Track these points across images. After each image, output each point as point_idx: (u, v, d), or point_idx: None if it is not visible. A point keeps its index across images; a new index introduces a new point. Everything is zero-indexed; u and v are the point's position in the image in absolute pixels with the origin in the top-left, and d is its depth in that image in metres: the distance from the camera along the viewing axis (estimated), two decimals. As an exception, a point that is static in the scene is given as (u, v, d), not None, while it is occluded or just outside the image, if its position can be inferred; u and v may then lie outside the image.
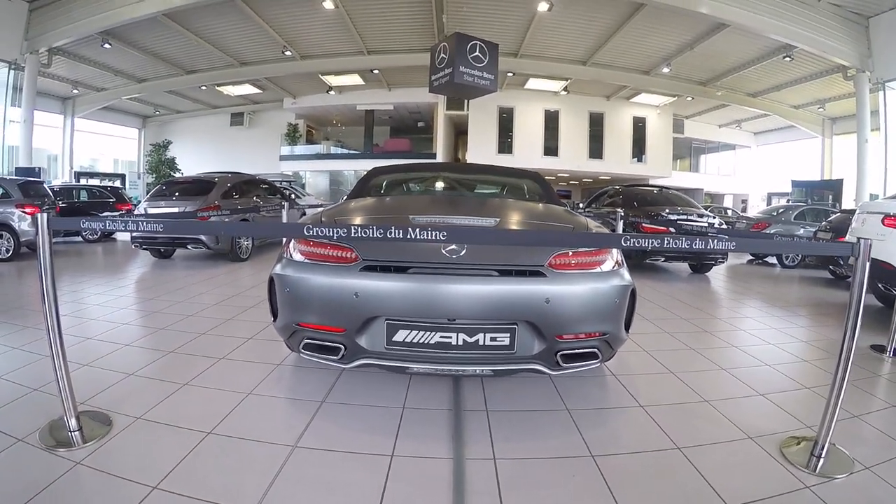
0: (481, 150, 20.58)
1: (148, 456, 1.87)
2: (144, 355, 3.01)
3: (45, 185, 8.53)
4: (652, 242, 1.69)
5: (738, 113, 21.60)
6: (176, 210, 7.04)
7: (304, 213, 9.73)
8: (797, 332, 4.01)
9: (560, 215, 2.66)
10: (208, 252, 7.42)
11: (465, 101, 19.69)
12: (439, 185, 3.84)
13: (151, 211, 7.10)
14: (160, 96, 20.87)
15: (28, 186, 7.46)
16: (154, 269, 6.63)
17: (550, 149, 21.04)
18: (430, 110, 21.87)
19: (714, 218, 7.13)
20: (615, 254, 2.21)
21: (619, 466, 1.87)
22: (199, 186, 7.56)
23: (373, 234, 1.69)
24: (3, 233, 6.69)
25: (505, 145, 20.95)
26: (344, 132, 25.66)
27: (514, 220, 2.48)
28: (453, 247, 1.96)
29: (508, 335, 1.97)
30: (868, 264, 1.69)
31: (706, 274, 7.28)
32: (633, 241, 1.72)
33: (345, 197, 3.57)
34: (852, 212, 5.80)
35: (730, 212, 17.46)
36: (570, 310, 2.01)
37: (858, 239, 1.69)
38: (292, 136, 22.85)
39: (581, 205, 9.85)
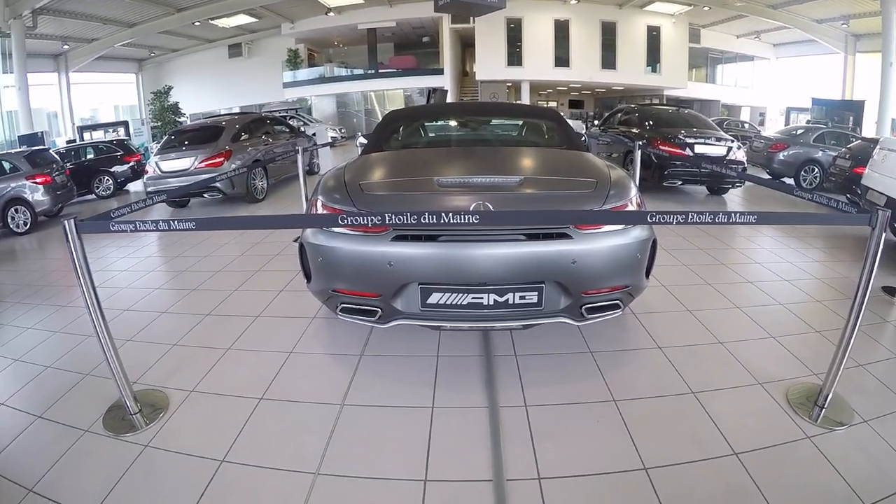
0: (490, 63, 19.95)
1: (209, 430, 2.04)
2: (183, 322, 3.17)
3: (51, 151, 8.44)
4: (676, 218, 1.68)
5: (758, 24, 20.20)
6: (188, 160, 7.00)
7: (315, 144, 9.51)
8: (812, 267, 4.00)
9: (583, 167, 2.59)
10: (224, 197, 7.36)
11: (471, 12, 18.68)
12: (458, 130, 3.77)
13: (164, 165, 7.07)
14: (153, 38, 19.97)
15: (35, 156, 7.40)
16: (174, 218, 6.71)
17: (562, 59, 20.17)
18: (435, 25, 20.83)
19: (733, 142, 6.88)
20: (634, 201, 2.22)
21: (638, 411, 2.03)
22: (207, 133, 7.43)
23: (406, 219, 1.71)
24: (19, 207, 6.75)
25: (514, 57, 20.12)
26: (347, 53, 24.62)
27: (539, 178, 2.44)
28: (480, 211, 1.98)
29: (536, 293, 2.04)
30: (883, 234, 1.68)
31: (723, 196, 7.20)
32: (659, 218, 1.68)
33: (359, 141, 3.51)
34: (873, 141, 5.56)
35: (746, 126, 16.75)
36: (596, 268, 2.07)
37: (876, 210, 1.68)
38: (293, 61, 22.03)
39: (596, 122, 9.51)
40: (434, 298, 2.04)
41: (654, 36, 20.39)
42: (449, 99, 21.30)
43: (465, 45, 23.45)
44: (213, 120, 8.51)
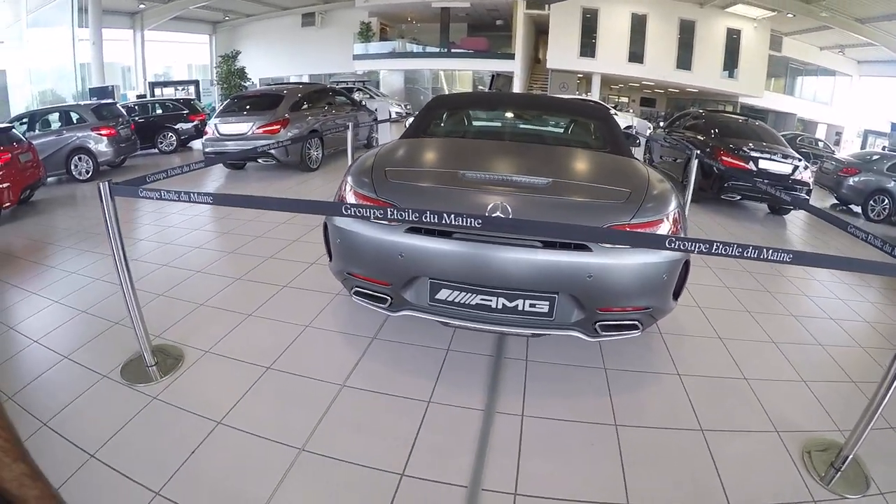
0: (562, 52, 19.67)
1: (214, 391, 2.15)
2: (214, 283, 3.31)
3: (118, 105, 8.95)
4: (699, 246, 1.56)
5: (843, 38, 18.67)
6: (246, 126, 7.23)
7: (375, 119, 9.59)
8: (863, 308, 3.63)
9: (621, 173, 2.44)
10: (278, 164, 7.58)
11: (547, 0, 18.31)
12: (501, 122, 3.66)
13: (222, 128, 7.33)
14: (228, 2, 20.68)
15: (101, 109, 7.87)
16: (228, 181, 7.03)
17: (636, 55, 19.57)
18: (510, 8, 20.63)
19: (800, 160, 6.38)
20: (671, 217, 2.05)
21: (638, 441, 1.92)
22: (267, 100, 7.60)
23: (408, 215, 1.68)
24: (83, 156, 7.25)
25: (587, 49, 19.73)
26: (419, 29, 24.69)
27: (568, 182, 2.28)
28: (498, 213, 1.92)
29: (548, 303, 1.96)
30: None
31: (784, 217, 6.72)
32: (679, 244, 1.55)
33: (408, 122, 3.44)
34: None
35: (821, 144, 15.49)
36: (614, 285, 1.95)
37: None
38: (365, 34, 22.36)
39: (661, 123, 9.09)
40: (443, 294, 2.01)
41: (733, 39, 19.28)
42: (516, 86, 21.03)
43: (539, 32, 23.06)
44: (275, 88, 8.72)
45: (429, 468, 1.72)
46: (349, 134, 6.08)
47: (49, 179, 6.80)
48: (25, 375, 2.26)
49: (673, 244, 1.56)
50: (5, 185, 4.78)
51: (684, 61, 19.36)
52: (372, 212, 1.68)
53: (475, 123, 3.62)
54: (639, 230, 1.96)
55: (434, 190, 2.14)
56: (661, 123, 9.00)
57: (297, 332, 2.65)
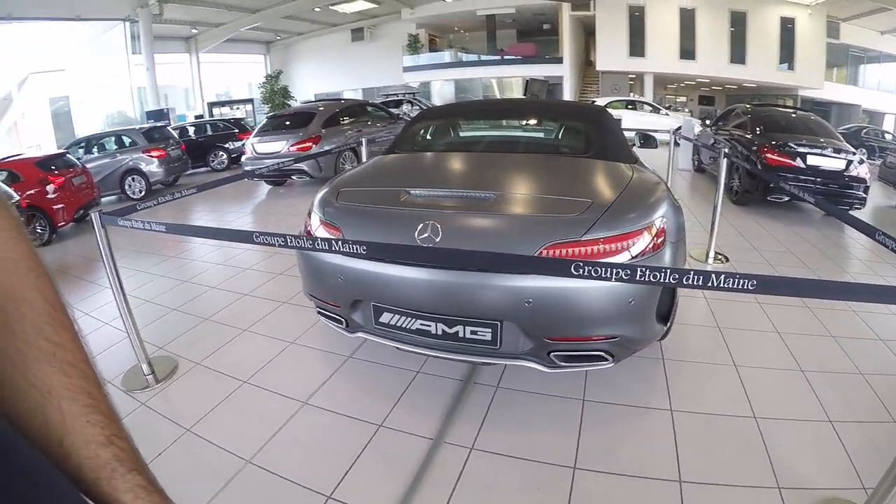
0: (611, 53, 19.24)
1: (193, 401, 2.29)
2: (223, 298, 3.51)
3: (168, 128, 9.66)
4: (617, 272, 1.32)
5: None
6: (280, 144, 7.53)
7: None
8: None
9: (590, 181, 2.20)
10: (312, 179, 7.70)
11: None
12: (481, 132, 3.55)
13: (258, 147, 7.70)
14: (278, 22, 21.76)
15: (152, 132, 8.53)
16: (268, 197, 7.41)
17: (687, 52, 18.75)
18: (555, 11, 20.46)
19: (854, 155, 5.74)
20: (654, 229, 1.80)
21: (594, 489, 1.69)
22: (300, 118, 7.89)
23: (303, 242, 1.69)
24: (136, 176, 7.89)
25: (637, 48, 19.14)
26: (470, 38, 24.99)
27: (518, 195, 2.07)
28: (428, 234, 1.80)
29: (490, 330, 1.80)
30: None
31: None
32: (586, 270, 1.34)
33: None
34: None
35: (889, 136, 13.93)
36: (559, 312, 1.73)
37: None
38: (414, 46, 22.86)
39: (707, 121, 8.60)
40: (385, 318, 1.95)
41: (787, 29, 17.92)
42: (566, 90, 20.72)
43: (589, 35, 22.66)
44: (309, 105, 9.05)
45: (357, 494, 1.71)
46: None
47: (108, 199, 7.44)
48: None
49: (580, 270, 1.37)
50: (60, 205, 5.28)
51: (738, 55, 18.25)
52: (277, 240, 1.68)
53: (456, 135, 3.48)
54: (596, 246, 1.73)
55: (374, 211, 2.05)
56: (708, 122, 8.42)
57: (282, 348, 2.75)
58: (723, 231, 4.67)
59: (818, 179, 5.56)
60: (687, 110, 17.56)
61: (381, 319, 1.96)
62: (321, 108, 8.10)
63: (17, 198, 4.82)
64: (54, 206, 5.17)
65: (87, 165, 6.84)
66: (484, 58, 22.43)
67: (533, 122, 3.41)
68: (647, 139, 3.76)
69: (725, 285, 1.25)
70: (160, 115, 14.41)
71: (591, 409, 2.12)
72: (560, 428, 2.01)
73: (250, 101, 20.38)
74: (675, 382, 2.31)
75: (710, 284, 1.29)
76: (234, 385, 2.38)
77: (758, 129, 6.37)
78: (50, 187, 5.19)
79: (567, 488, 1.70)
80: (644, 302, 1.81)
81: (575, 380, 2.31)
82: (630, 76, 20.69)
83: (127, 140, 8.21)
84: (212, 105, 18.74)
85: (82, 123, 17.03)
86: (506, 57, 21.82)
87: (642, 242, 1.81)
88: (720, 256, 4.08)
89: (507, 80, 23.49)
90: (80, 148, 7.97)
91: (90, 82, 17.04)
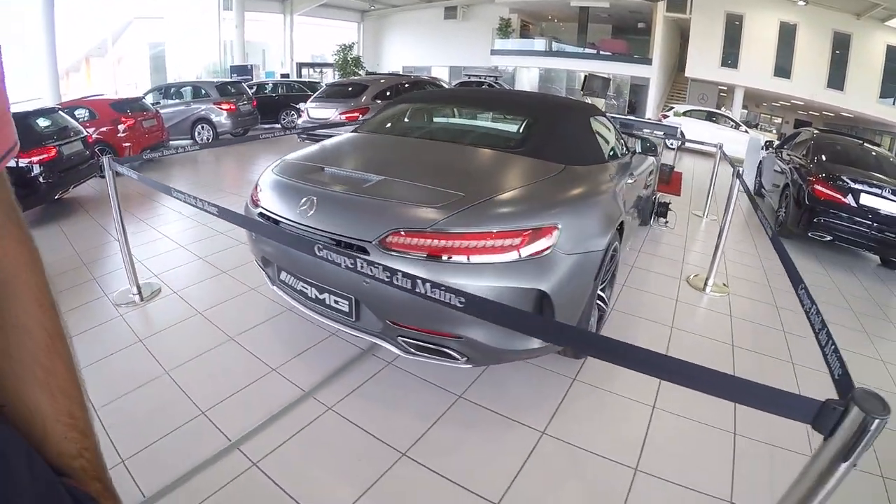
0: (702, 60, 18.19)
1: (156, 320, 2.88)
2: (221, 243, 4.12)
3: (243, 83, 10.53)
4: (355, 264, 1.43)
5: None
6: (331, 111, 8.07)
7: None
8: None
9: (483, 177, 2.15)
10: None
11: (688, 1, 16.87)
12: (443, 120, 3.39)
13: (312, 112, 8.29)
14: (374, -9, 22.36)
15: (226, 86, 9.41)
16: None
17: (782, 69, 17.25)
18: (651, 10, 19.48)
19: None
20: (535, 233, 1.77)
21: (407, 480, 1.77)
22: (354, 89, 8.34)
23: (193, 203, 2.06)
24: (205, 125, 8.83)
25: (730, 58, 17.92)
26: (564, 29, 24.40)
27: (396, 182, 2.07)
28: (305, 207, 1.98)
29: (347, 303, 1.95)
30: None
31: (901, 272, 4.87)
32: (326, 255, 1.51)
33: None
34: None
35: None
36: (390, 297, 1.74)
37: None
38: (504, 30, 22.84)
39: (775, 143, 8.05)
40: (283, 276, 2.24)
41: (894, 59, 15.81)
42: (651, 94, 19.92)
43: (684, 39, 21.30)
44: (367, 78, 9.53)
45: (224, 416, 2.11)
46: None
47: (181, 142, 8.46)
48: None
49: (320, 252, 1.54)
50: (128, 143, 6.22)
51: (836, 80, 16.45)
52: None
53: (413, 121, 3.36)
54: (445, 241, 1.73)
55: (281, 182, 2.24)
56: (774, 144, 7.87)
57: (242, 292, 3.24)
58: (746, 261, 4.54)
59: (874, 224, 4.86)
60: (775, 132, 16.18)
61: (280, 277, 2.27)
62: (382, 81, 8.48)
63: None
64: (123, 144, 6.11)
65: (164, 111, 7.85)
66: (570, 49, 21.86)
67: (494, 113, 3.23)
68: (648, 145, 3.63)
69: (433, 294, 1.25)
70: (243, 70, 15.66)
71: (462, 406, 2.17)
72: (418, 415, 2.11)
73: (332, 65, 21.36)
74: (568, 406, 2.21)
75: (394, 281, 1.32)
76: (191, 313, 2.95)
77: (818, 157, 5.73)
78: (121, 126, 6.13)
79: (384, 469, 1.81)
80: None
81: (467, 375, 2.37)
82: (721, 88, 19.38)
83: (202, 91, 9.16)
84: (301, 66, 19.80)
85: (175, 69, 18.90)
86: (593, 51, 21.17)
87: (509, 244, 1.76)
88: (721, 286, 3.80)
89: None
90: (160, 94, 9.08)
91: (184, 31, 18.73)
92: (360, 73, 21.19)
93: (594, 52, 21.14)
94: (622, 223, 2.45)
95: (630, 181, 2.99)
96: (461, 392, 2.28)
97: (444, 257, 1.75)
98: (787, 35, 16.72)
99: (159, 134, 7.00)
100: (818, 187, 5.13)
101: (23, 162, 4.25)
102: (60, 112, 5.19)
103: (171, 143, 7.58)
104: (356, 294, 1.92)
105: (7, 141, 0.44)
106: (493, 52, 22.74)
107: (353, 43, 20.97)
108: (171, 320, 2.86)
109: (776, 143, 7.95)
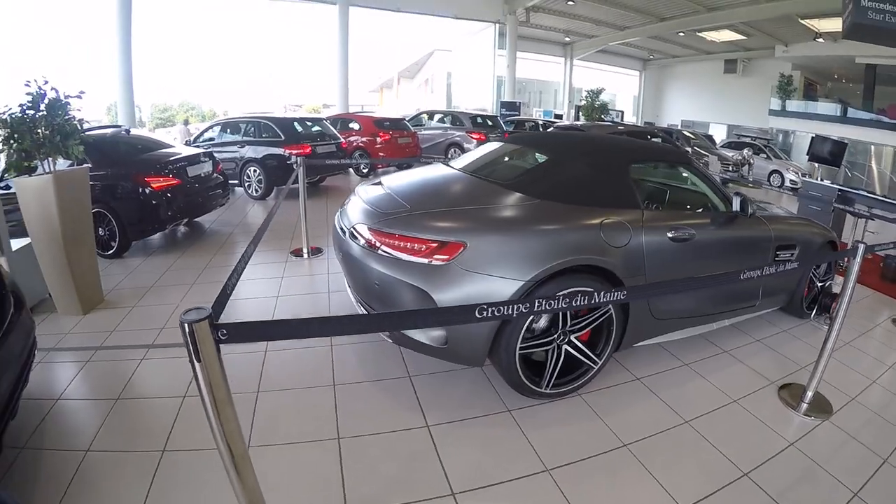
0: None
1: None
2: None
3: (499, 118, 11.31)
4: None
5: None
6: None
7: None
8: None
9: (450, 197, 2.55)
10: None
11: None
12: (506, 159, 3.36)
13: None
14: (650, 42, 21.66)
15: (477, 118, 10.26)
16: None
17: None
18: None
19: None
20: (444, 245, 2.07)
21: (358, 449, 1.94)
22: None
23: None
24: (457, 149, 9.72)
25: None
26: (851, 90, 19.22)
27: (421, 212, 2.36)
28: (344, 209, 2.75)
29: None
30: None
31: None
32: None
33: None
34: None
35: None
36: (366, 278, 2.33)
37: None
38: (785, 88, 19.27)
39: None
40: None
41: None
42: None
43: None
44: (586, 125, 9.10)
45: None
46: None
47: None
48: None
49: None
50: (382, 154, 7.35)
51: None
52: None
53: (486, 159, 3.33)
54: (384, 238, 2.17)
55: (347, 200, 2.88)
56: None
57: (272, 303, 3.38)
58: (860, 362, 2.90)
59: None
60: None
61: None
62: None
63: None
64: (378, 154, 7.24)
65: (425, 132, 9.02)
66: (865, 116, 16.37)
67: (538, 153, 3.09)
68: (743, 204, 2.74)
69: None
70: (512, 105, 16.96)
71: (342, 391, 2.32)
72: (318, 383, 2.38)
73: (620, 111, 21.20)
74: (433, 400, 2.28)
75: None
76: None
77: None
78: (378, 139, 7.28)
79: (252, 409, 2.17)
80: (390, 292, 2.13)
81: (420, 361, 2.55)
82: None
83: (459, 120, 10.31)
84: (578, 108, 20.11)
85: (458, 97, 21.77)
86: (883, 119, 15.61)
87: (417, 248, 2.09)
88: (820, 402, 2.41)
89: (881, 147, 16.66)
90: (429, 118, 10.50)
91: (466, 65, 21.47)
92: (604, 119, 20.38)
93: (888, 120, 15.53)
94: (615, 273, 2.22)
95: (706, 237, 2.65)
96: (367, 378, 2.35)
97: (378, 249, 2.21)
98: None
99: (413, 150, 8.06)
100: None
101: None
102: (324, 121, 6.70)
103: (422, 159, 8.67)
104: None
105: None
106: (772, 113, 19.49)
107: (602, 89, 20.49)
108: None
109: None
